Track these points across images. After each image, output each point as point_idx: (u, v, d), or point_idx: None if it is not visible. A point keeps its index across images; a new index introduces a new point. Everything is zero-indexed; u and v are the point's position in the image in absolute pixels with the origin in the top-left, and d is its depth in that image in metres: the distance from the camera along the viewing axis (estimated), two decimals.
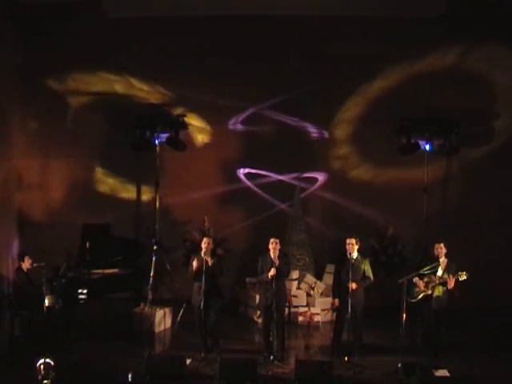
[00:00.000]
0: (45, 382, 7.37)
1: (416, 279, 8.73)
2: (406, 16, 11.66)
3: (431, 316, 8.76)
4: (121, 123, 11.76)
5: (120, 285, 10.33)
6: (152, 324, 10.10)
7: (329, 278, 10.81)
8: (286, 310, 9.71)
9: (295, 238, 11.55)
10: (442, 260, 8.70)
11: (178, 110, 12.15)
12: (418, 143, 11.61)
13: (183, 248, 11.61)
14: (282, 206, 12.33)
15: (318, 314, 10.90)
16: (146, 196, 12.42)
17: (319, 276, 11.52)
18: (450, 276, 8.55)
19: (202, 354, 8.82)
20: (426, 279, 8.72)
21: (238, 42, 11.84)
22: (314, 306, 11.03)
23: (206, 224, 11.52)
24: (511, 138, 12.01)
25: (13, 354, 8.86)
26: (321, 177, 12.41)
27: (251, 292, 11.19)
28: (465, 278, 8.50)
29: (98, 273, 10.10)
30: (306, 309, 10.95)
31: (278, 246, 8.83)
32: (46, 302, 9.19)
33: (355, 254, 8.90)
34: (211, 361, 8.57)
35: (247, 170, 12.38)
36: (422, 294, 8.72)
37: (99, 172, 12.44)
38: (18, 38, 12.02)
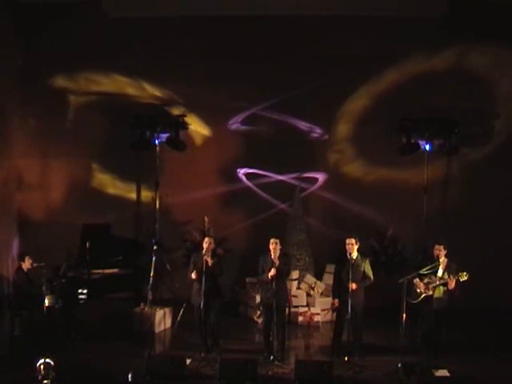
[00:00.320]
0: (45, 382, 7.38)
1: (416, 280, 8.73)
2: (406, 16, 11.65)
3: (431, 316, 8.76)
4: (121, 123, 11.76)
5: (120, 285, 10.34)
6: (152, 324, 10.10)
7: (329, 278, 10.80)
8: (287, 310, 9.70)
9: (295, 238, 11.55)
10: (442, 260, 8.70)
11: (178, 110, 12.15)
12: (418, 143, 11.62)
13: (183, 248, 11.62)
14: (282, 206, 12.32)
15: (318, 314, 10.90)
16: (145, 196, 12.42)
17: (319, 276, 11.52)
18: (451, 276, 8.55)
19: (202, 354, 8.82)
20: (426, 280, 8.72)
21: (237, 42, 11.84)
22: (314, 306, 11.03)
23: (206, 224, 11.52)
24: (511, 138, 12.01)
25: (13, 354, 8.87)
26: (321, 177, 12.41)
27: (251, 292, 11.19)
28: (465, 278, 8.50)
29: (98, 273, 10.11)
30: (305, 309, 10.95)
31: (279, 246, 8.83)
32: (46, 302, 9.20)
33: (355, 254, 8.90)
34: (211, 361, 8.57)
35: (247, 170, 12.38)
36: (422, 295, 8.72)
37: (99, 172, 12.43)
38: (18, 38, 12.02)
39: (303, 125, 12.33)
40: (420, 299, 8.74)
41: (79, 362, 8.44)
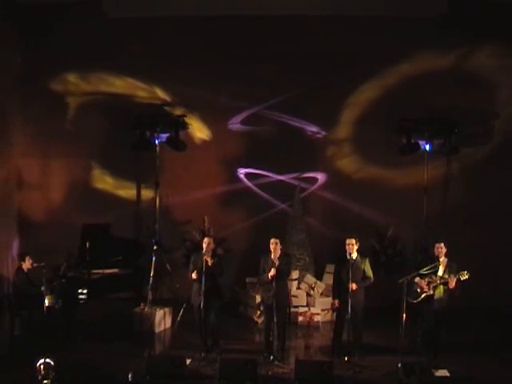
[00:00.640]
0: (45, 382, 7.39)
1: (418, 279, 8.73)
2: (406, 16, 11.66)
3: (431, 316, 8.76)
4: (121, 123, 11.76)
5: (120, 285, 10.34)
6: (152, 324, 10.10)
7: (329, 278, 10.80)
8: (287, 309, 9.69)
9: (295, 238, 11.55)
10: (442, 260, 8.71)
11: (178, 110, 12.15)
12: (418, 143, 11.62)
13: (183, 248, 11.62)
14: (282, 205, 12.32)
15: (318, 314, 10.90)
16: (145, 196, 12.42)
17: (319, 276, 11.52)
18: (451, 276, 8.56)
19: (202, 354, 8.82)
20: (427, 279, 8.72)
21: (237, 42, 11.84)
22: (314, 305, 11.03)
23: (206, 224, 11.52)
24: (510, 138, 12.00)
25: (13, 354, 8.87)
26: (321, 177, 12.41)
27: (251, 292, 11.19)
28: (466, 277, 8.51)
29: (98, 273, 10.11)
30: (306, 309, 10.95)
31: (279, 246, 8.83)
32: (46, 302, 9.20)
33: (355, 254, 8.90)
34: (211, 361, 8.57)
35: (247, 170, 12.38)
36: (423, 295, 8.72)
37: (99, 172, 12.43)
38: (18, 37, 12.02)
39: (303, 125, 12.32)
40: (420, 299, 8.74)
41: (79, 362, 8.44)
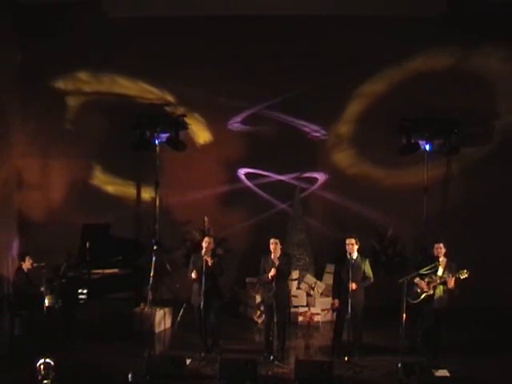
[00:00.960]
0: (45, 382, 7.39)
1: (417, 280, 8.74)
2: (406, 16, 11.66)
3: (431, 316, 8.77)
4: (121, 123, 11.76)
5: (120, 285, 10.34)
6: (152, 324, 10.10)
7: (329, 278, 10.80)
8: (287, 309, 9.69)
9: (295, 238, 11.55)
10: (442, 259, 8.71)
11: (178, 110, 12.15)
12: (418, 143, 11.62)
13: (183, 248, 11.61)
14: (282, 205, 12.32)
15: (318, 314, 10.90)
16: (145, 196, 12.42)
17: (319, 276, 11.52)
18: (450, 275, 8.56)
19: (202, 354, 8.82)
20: (426, 279, 8.72)
21: (237, 42, 11.84)
22: (314, 305, 11.03)
23: (206, 224, 11.52)
24: (510, 138, 12.00)
25: (13, 354, 8.88)
26: (321, 177, 12.41)
27: (251, 292, 11.19)
28: (466, 276, 8.51)
29: (98, 273, 10.11)
30: (305, 309, 10.95)
31: (279, 246, 8.83)
32: (46, 302, 9.20)
33: (355, 254, 8.90)
34: (211, 361, 8.57)
35: (247, 170, 12.38)
36: (424, 295, 8.72)
37: (99, 172, 12.43)
38: (18, 38, 12.02)
39: (303, 125, 12.32)
40: (420, 299, 8.74)
41: (79, 362, 8.44)
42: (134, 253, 10.80)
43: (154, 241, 10.99)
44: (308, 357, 9.38)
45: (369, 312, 8.97)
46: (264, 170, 12.35)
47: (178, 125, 11.86)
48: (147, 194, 12.36)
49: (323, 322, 10.88)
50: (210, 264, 8.87)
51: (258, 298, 10.74)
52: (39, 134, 12.30)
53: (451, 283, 8.55)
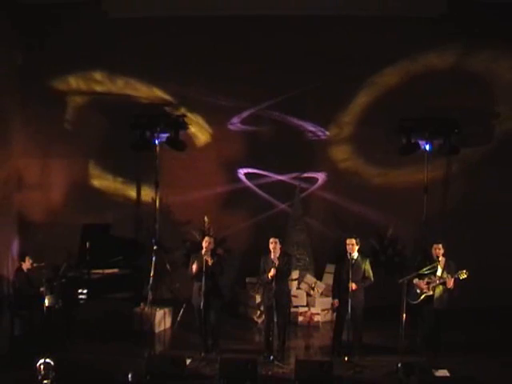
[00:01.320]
0: (45, 382, 7.39)
1: (416, 281, 8.74)
2: (405, 16, 11.66)
3: (431, 316, 8.77)
4: (121, 123, 11.75)
5: (120, 285, 10.33)
6: (152, 324, 10.09)
7: (329, 278, 10.80)
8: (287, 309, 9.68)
9: (295, 238, 11.55)
10: (441, 259, 8.71)
11: (178, 110, 12.15)
12: (418, 143, 11.63)
13: (183, 248, 11.61)
14: (282, 205, 12.32)
15: (318, 314, 10.90)
16: (146, 196, 12.42)
17: (319, 276, 11.52)
18: (449, 276, 8.57)
19: (202, 354, 8.82)
20: (426, 280, 8.72)
21: (238, 42, 11.84)
22: (313, 306, 11.03)
23: (206, 224, 11.51)
24: (510, 138, 12.00)
25: (13, 354, 8.87)
26: (321, 177, 12.41)
27: (251, 292, 11.19)
28: (465, 276, 8.52)
29: (98, 273, 10.10)
30: (305, 309, 10.95)
31: (279, 246, 8.83)
32: (46, 302, 9.19)
33: (355, 254, 8.90)
34: (211, 361, 8.58)
35: (247, 170, 12.38)
36: (423, 296, 8.72)
37: (99, 172, 12.43)
38: (18, 38, 12.02)
39: (303, 125, 12.32)
40: (420, 300, 8.74)
41: (79, 362, 8.44)
42: (133, 253, 10.79)
43: (154, 241, 10.97)
44: (308, 357, 9.39)
45: (369, 312, 8.98)
46: (264, 170, 12.35)
47: (178, 125, 11.86)
48: (147, 194, 12.35)
49: (323, 322, 10.88)
50: (210, 264, 8.87)
51: (258, 298, 10.75)
52: (39, 134, 12.29)
53: (450, 283, 8.57)
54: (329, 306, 10.60)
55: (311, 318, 10.86)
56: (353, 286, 8.64)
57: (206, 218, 11.55)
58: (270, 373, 8.33)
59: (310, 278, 11.27)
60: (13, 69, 12.00)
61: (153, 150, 11.74)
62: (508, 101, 12.00)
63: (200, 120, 12.32)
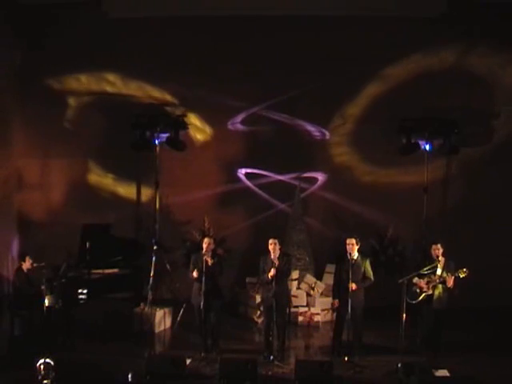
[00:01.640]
0: (45, 382, 7.39)
1: (416, 280, 8.74)
2: (406, 16, 11.66)
3: (431, 316, 8.77)
4: (121, 123, 11.75)
5: (120, 285, 10.32)
6: (152, 324, 10.09)
7: (329, 278, 10.81)
8: (287, 310, 9.68)
9: (295, 238, 11.55)
10: (440, 259, 8.72)
11: (178, 110, 12.15)
12: (418, 143, 11.63)
13: (183, 248, 11.61)
14: (282, 205, 12.32)
15: (318, 314, 10.90)
16: (146, 196, 12.42)
17: (319, 276, 11.52)
18: (449, 274, 8.57)
19: (202, 354, 8.82)
20: (426, 279, 8.73)
21: (238, 42, 11.83)
22: (313, 306, 11.03)
23: (206, 224, 11.51)
24: (510, 138, 12.00)
25: (13, 354, 8.88)
26: (321, 177, 12.40)
27: (251, 292, 11.19)
28: (465, 275, 8.52)
29: (98, 273, 10.10)
30: (305, 309, 10.95)
31: (278, 246, 8.83)
32: (46, 302, 9.18)
33: (355, 254, 8.90)
34: (211, 361, 8.58)
35: (247, 170, 12.38)
36: (423, 295, 8.72)
37: (99, 172, 12.43)
38: (18, 38, 12.01)
39: (303, 125, 12.32)
40: (419, 299, 8.74)
41: (79, 361, 8.44)
42: (133, 253, 10.79)
43: (154, 241, 10.97)
44: (308, 357, 9.39)
45: (369, 312, 8.98)
46: (264, 170, 12.35)
47: (178, 125, 11.86)
48: (147, 194, 12.35)
49: (323, 322, 10.88)
50: (210, 264, 8.88)
51: (258, 298, 10.74)
52: (39, 133, 12.29)
53: (450, 282, 8.56)
54: (329, 306, 10.60)
55: (311, 318, 10.86)
56: (353, 286, 8.64)
57: (205, 218, 11.55)
58: (270, 373, 8.34)
59: (310, 278, 11.27)
60: (12, 69, 12.00)
61: (153, 149, 11.74)
62: (508, 101, 11.99)
63: (200, 120, 12.32)
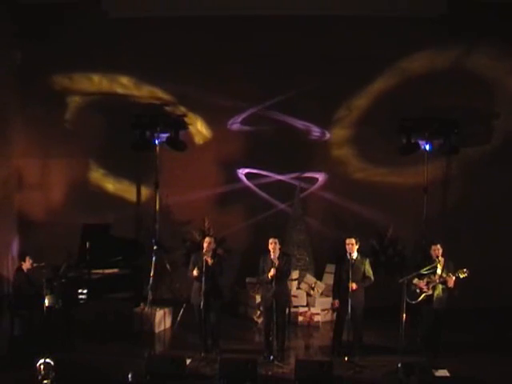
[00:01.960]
0: (45, 382, 7.39)
1: (416, 281, 8.73)
2: (405, 16, 11.66)
3: (431, 316, 8.77)
4: (121, 123, 11.76)
5: (120, 285, 10.33)
6: (152, 324, 10.10)
7: (329, 278, 10.81)
8: (287, 310, 9.68)
9: (295, 238, 11.55)
10: (440, 259, 8.71)
11: (178, 110, 12.15)
12: (418, 143, 11.63)
13: (183, 248, 11.61)
14: (282, 206, 12.32)
15: (318, 314, 10.90)
16: (145, 196, 12.42)
17: (319, 276, 11.52)
18: (450, 274, 8.56)
19: (202, 354, 8.82)
20: (425, 279, 8.72)
21: (238, 42, 11.84)
22: (313, 306, 11.03)
23: (206, 224, 11.52)
24: (510, 138, 12.00)
25: (13, 354, 8.88)
26: (321, 177, 12.40)
27: (251, 292, 11.19)
28: (465, 275, 8.51)
29: (98, 273, 10.10)
30: (306, 309, 10.95)
31: (278, 246, 8.83)
32: (46, 302, 9.18)
33: (355, 254, 8.90)
34: (211, 361, 8.58)
35: (247, 170, 12.37)
36: (423, 295, 8.72)
37: (99, 172, 12.43)
38: (18, 38, 12.02)
39: (303, 125, 12.32)
40: (419, 300, 8.74)
41: (79, 362, 8.44)
42: (133, 253, 10.80)
43: (154, 241, 10.98)
44: (308, 357, 9.39)
45: (369, 312, 8.98)
46: (264, 170, 12.35)
47: (178, 125, 11.86)
48: (147, 194, 12.35)
49: (323, 322, 10.88)
50: (210, 264, 8.87)
51: (258, 298, 10.74)
52: (39, 133, 12.30)
53: (451, 283, 8.55)
54: (329, 306, 10.60)
55: (311, 318, 10.86)
56: (353, 285, 8.63)
57: (205, 218, 11.55)
58: (270, 373, 8.33)
59: (310, 278, 11.27)
60: (13, 69, 12.00)
61: (153, 150, 11.74)
62: (508, 101, 11.99)
63: (200, 120, 12.32)
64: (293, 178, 12.26)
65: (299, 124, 12.30)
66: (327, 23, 11.78)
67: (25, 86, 12.12)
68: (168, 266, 10.92)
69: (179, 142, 11.84)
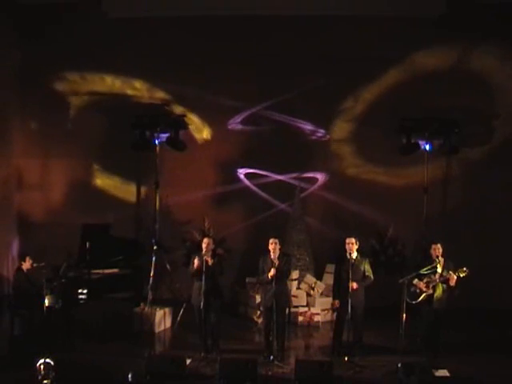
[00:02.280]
0: (45, 382, 7.38)
1: (416, 281, 8.73)
2: (405, 16, 11.66)
3: (431, 315, 8.76)
4: (121, 123, 11.76)
5: (120, 285, 10.33)
6: (152, 324, 10.10)
7: (329, 278, 10.80)
8: (287, 310, 9.68)
9: (295, 238, 11.54)
10: (440, 259, 8.71)
11: (178, 110, 12.15)
12: (418, 143, 11.62)
13: (183, 248, 11.61)
14: (282, 206, 12.32)
15: (318, 314, 10.90)
16: (146, 196, 12.42)
17: (319, 276, 11.52)
18: (451, 272, 8.56)
19: (202, 354, 8.82)
20: (425, 280, 8.72)
21: (237, 42, 11.84)
22: (313, 306, 11.03)
23: (206, 224, 11.51)
24: (510, 138, 12.00)
25: (13, 354, 8.88)
26: (321, 177, 12.40)
27: (251, 292, 11.19)
28: (465, 274, 8.52)
29: (98, 273, 10.10)
30: (306, 309, 10.95)
31: (278, 246, 8.83)
32: (46, 302, 9.18)
33: (355, 254, 8.90)
34: (211, 361, 8.58)
35: (247, 170, 12.38)
36: (423, 295, 8.72)
37: (99, 172, 12.44)
38: (18, 38, 12.02)
39: (303, 125, 12.32)
40: (419, 300, 8.73)
41: (79, 362, 8.44)
42: (133, 253, 10.80)
43: (154, 241, 10.98)
44: (308, 357, 9.38)
45: (369, 312, 8.97)
46: (264, 170, 12.35)
47: (178, 125, 11.86)
48: (147, 194, 12.35)
49: (323, 322, 10.88)
50: (210, 264, 8.87)
51: (258, 298, 10.74)
52: (39, 133, 12.31)
53: (453, 281, 8.54)
54: (329, 306, 10.59)
55: (311, 318, 10.86)
56: (353, 285, 8.63)
57: (205, 218, 11.55)
58: (270, 373, 8.33)
59: (310, 278, 11.26)
60: (13, 69, 12.00)
61: (153, 149, 11.74)
62: (508, 101, 11.99)
63: (200, 120, 12.32)
64: (293, 178, 12.26)
65: (299, 124, 12.30)
66: (327, 23, 11.79)
67: (25, 86, 12.14)
68: (168, 266, 10.92)
69: (179, 141, 11.84)
